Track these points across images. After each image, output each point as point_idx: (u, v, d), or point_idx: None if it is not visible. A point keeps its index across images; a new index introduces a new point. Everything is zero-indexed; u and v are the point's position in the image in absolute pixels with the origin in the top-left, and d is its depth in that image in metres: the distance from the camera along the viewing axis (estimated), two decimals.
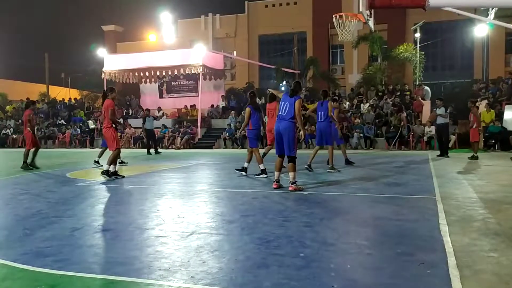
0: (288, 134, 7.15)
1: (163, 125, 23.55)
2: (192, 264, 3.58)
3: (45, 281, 3.25)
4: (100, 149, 12.73)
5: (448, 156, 13.90)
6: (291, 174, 7.21)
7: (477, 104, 19.14)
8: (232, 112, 23.33)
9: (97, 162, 12.16)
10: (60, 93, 37.76)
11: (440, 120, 14.12)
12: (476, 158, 12.99)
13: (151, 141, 17.94)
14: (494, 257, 3.68)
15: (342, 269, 3.48)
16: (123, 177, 9.27)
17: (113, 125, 9.13)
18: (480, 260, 3.61)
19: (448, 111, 14.72)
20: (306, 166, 10.05)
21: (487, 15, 13.73)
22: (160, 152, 17.90)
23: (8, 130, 26.49)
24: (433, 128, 18.05)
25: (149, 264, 3.60)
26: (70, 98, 32.93)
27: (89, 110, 28.73)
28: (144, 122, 17.62)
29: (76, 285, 3.20)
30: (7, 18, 56.35)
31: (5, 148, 24.49)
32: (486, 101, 18.89)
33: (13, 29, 56.83)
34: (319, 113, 10.20)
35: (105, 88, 13.27)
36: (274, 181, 7.57)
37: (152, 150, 17.58)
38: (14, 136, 25.82)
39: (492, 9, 13.08)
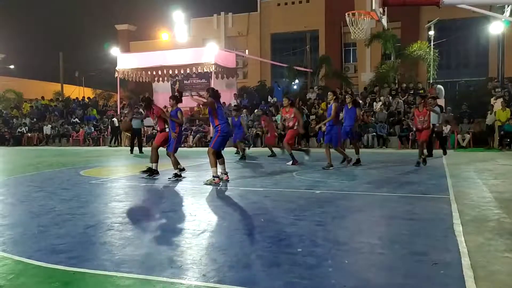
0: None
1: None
2: (204, 262, 3.59)
3: (59, 278, 3.29)
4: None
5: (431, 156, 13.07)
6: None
7: (492, 102, 18.97)
8: (244, 110, 23.30)
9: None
10: (74, 91, 38.14)
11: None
12: (424, 162, 10.73)
13: (136, 139, 17.99)
14: (509, 258, 3.63)
15: (354, 268, 3.46)
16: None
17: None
18: (495, 261, 3.56)
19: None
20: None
21: (502, 13, 13.49)
22: (143, 152, 17.65)
23: (23, 128, 26.82)
24: (447, 128, 17.82)
25: (161, 261, 3.61)
26: (83, 97, 33.22)
27: (102, 108, 28.90)
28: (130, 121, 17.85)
29: (89, 282, 3.23)
30: (21, 18, 57.09)
31: (20, 146, 24.81)
32: (501, 99, 18.62)
33: (28, 29, 57.64)
34: (347, 116, 10.81)
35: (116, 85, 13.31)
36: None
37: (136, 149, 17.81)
38: (29, 135, 26.14)
39: (508, 6, 12.85)
